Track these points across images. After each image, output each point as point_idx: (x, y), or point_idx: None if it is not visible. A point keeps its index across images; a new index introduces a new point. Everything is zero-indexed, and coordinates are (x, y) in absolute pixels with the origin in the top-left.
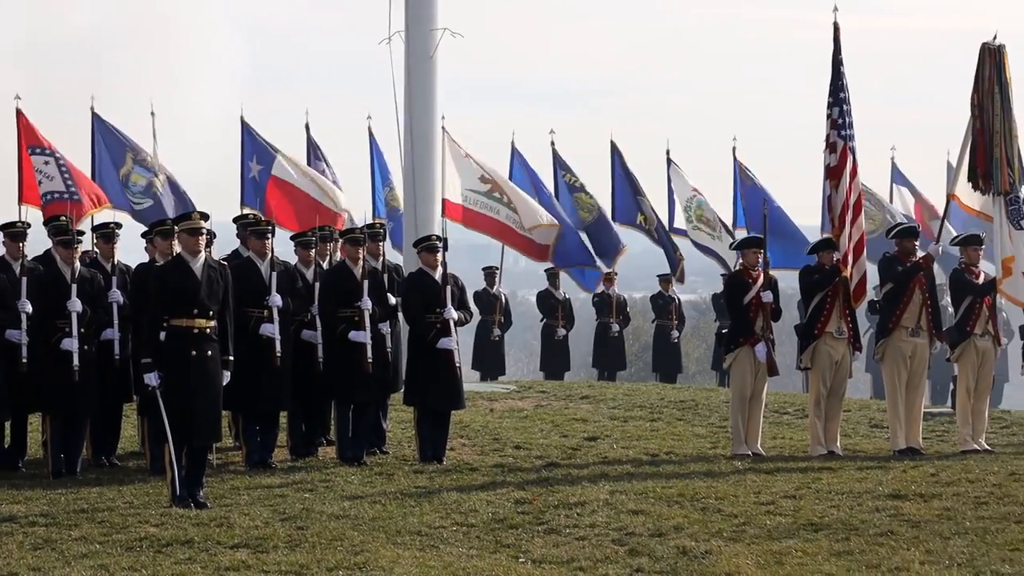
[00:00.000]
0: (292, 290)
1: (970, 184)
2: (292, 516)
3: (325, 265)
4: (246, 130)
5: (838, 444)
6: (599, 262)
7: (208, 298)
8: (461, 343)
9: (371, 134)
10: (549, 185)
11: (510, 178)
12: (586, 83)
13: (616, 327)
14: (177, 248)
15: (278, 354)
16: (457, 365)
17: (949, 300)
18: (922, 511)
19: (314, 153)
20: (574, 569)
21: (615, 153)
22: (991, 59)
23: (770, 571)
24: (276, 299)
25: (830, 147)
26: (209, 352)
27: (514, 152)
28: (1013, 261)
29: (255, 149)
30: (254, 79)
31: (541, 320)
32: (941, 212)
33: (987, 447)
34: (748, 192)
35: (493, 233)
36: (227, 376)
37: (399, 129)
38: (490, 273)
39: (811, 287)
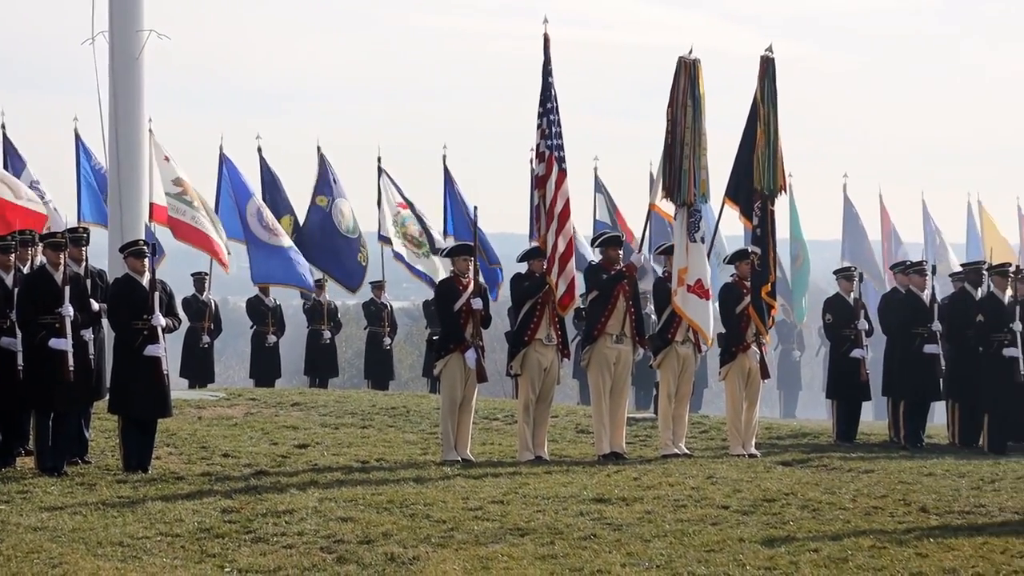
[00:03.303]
0: None
1: (663, 195)
2: None
3: (26, 270)
4: None
5: (545, 449)
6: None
7: None
8: (169, 350)
9: (78, 136)
10: (258, 190)
11: (218, 184)
12: (295, 88)
13: (328, 334)
14: None
15: None
16: (164, 372)
17: (652, 308)
18: (624, 514)
19: (11, 155)
20: None
21: (322, 160)
22: (686, 73)
23: None
24: None
25: (539, 156)
26: None
27: (223, 157)
28: (686, 272)
29: None
30: None
31: (251, 327)
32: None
33: (687, 451)
34: (453, 200)
35: (189, 239)
36: None
37: (104, 131)
38: (199, 279)
39: (521, 294)
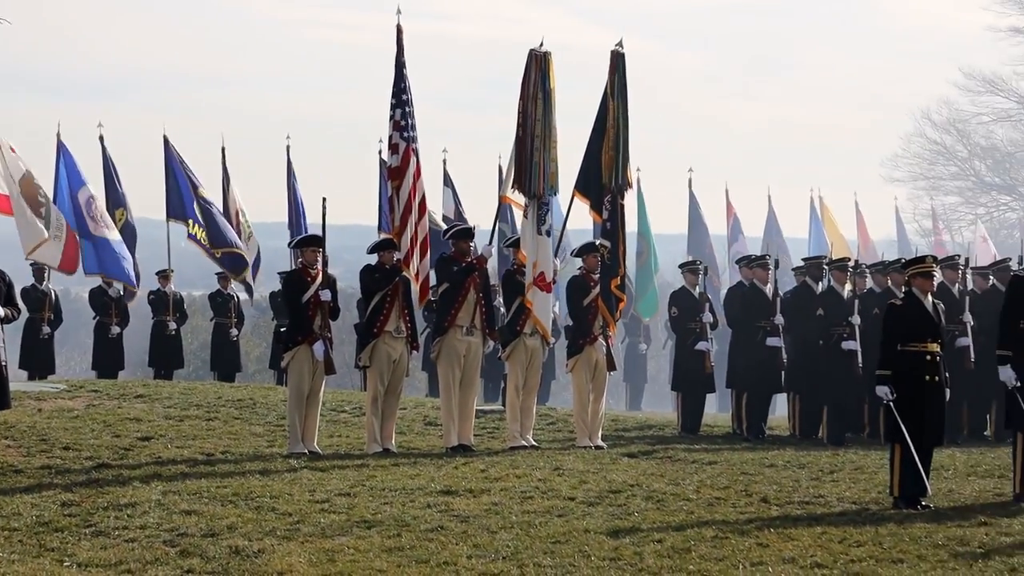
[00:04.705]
0: None
1: (515, 187)
2: None
3: None
4: None
5: (393, 442)
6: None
7: None
8: (8, 341)
9: None
10: (91, 178)
11: (56, 173)
12: (138, 75)
13: (173, 325)
14: None
15: None
16: (3, 363)
17: (502, 300)
18: (471, 506)
19: None
20: (122, 572)
21: (168, 148)
22: (537, 66)
23: (322, 568)
24: None
25: (392, 148)
26: None
27: (60, 145)
28: (537, 266)
29: None
30: None
31: (94, 317)
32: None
33: (534, 443)
34: (295, 190)
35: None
36: None
37: None
38: (38, 268)
39: (371, 286)
